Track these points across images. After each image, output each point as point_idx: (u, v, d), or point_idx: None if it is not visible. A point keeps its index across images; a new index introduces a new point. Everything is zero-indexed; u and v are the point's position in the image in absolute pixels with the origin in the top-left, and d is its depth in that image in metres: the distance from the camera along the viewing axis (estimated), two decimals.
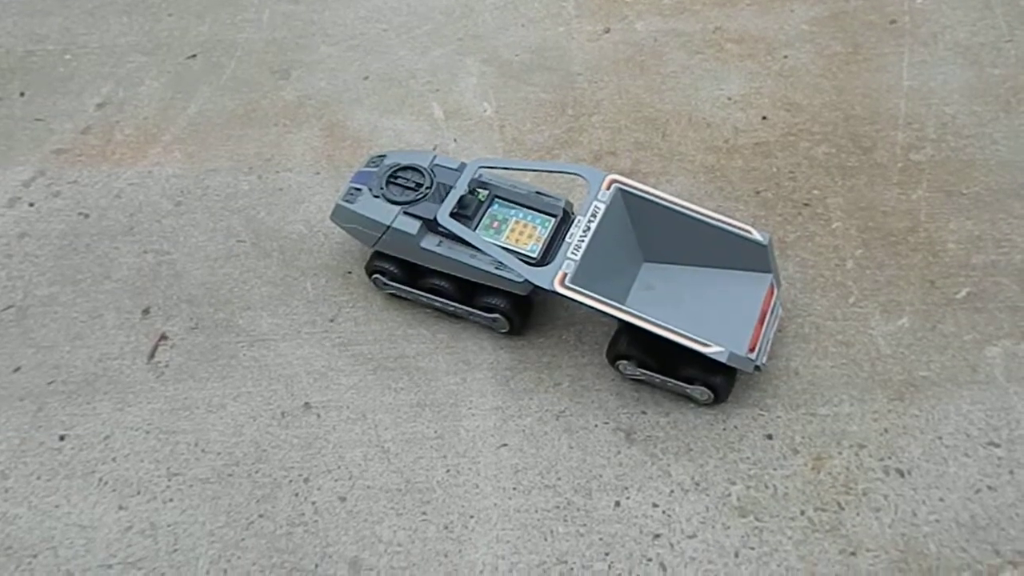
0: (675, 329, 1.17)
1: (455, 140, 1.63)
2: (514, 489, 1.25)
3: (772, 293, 1.27)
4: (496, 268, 1.28)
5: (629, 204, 1.29)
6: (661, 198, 1.27)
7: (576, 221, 1.26)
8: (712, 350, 1.16)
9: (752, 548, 1.18)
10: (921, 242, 1.42)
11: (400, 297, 1.43)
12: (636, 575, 1.17)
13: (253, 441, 1.32)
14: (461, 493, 1.25)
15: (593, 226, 1.25)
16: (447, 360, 1.38)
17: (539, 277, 1.22)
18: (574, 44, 1.75)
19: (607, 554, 1.19)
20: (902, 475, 1.21)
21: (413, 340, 1.40)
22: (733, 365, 1.19)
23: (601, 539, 1.20)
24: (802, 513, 1.20)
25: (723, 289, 1.28)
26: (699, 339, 1.16)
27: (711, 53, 1.71)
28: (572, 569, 1.18)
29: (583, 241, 1.24)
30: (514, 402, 1.33)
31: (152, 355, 1.41)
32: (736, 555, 1.18)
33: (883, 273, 1.39)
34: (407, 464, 1.28)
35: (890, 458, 1.23)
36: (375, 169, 1.39)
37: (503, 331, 1.39)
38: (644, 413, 1.30)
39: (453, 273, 1.34)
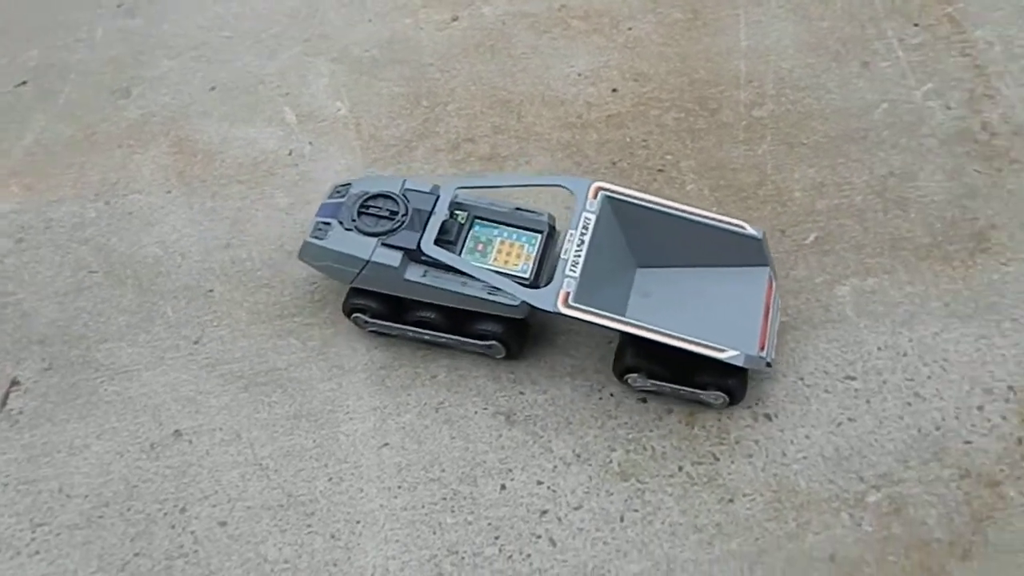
0: (687, 337, 1.13)
1: (311, 143, 1.60)
2: (399, 488, 1.24)
3: (771, 286, 1.24)
4: (489, 293, 1.21)
5: (617, 211, 1.24)
6: (650, 201, 1.23)
7: (568, 235, 1.20)
8: (728, 355, 1.12)
9: (636, 510, 1.20)
10: (769, 194, 1.48)
11: (381, 333, 1.35)
12: (527, 554, 1.18)
13: (122, 478, 1.26)
14: (346, 500, 1.23)
15: (586, 239, 1.19)
16: (320, 367, 1.35)
17: (540, 300, 1.16)
18: (423, 35, 1.74)
19: (497, 538, 1.19)
20: (770, 419, 1.26)
21: (284, 351, 1.36)
22: (748, 367, 1.16)
23: (490, 524, 1.21)
24: (680, 469, 1.23)
25: (722, 287, 1.25)
26: (712, 345, 1.13)
27: (558, 32, 1.72)
28: (463, 558, 1.18)
29: (579, 256, 1.18)
30: (392, 400, 1.32)
31: (3, 403, 1.33)
32: (622, 519, 1.20)
33: None
34: (287, 479, 1.25)
35: (757, 404, 1.27)
36: (342, 200, 1.29)
37: (499, 357, 1.32)
38: (522, 394, 1.31)
39: (443, 303, 1.26)
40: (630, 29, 1.72)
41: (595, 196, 1.23)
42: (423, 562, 1.18)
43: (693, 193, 1.48)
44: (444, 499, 1.23)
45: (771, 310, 1.23)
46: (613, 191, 1.23)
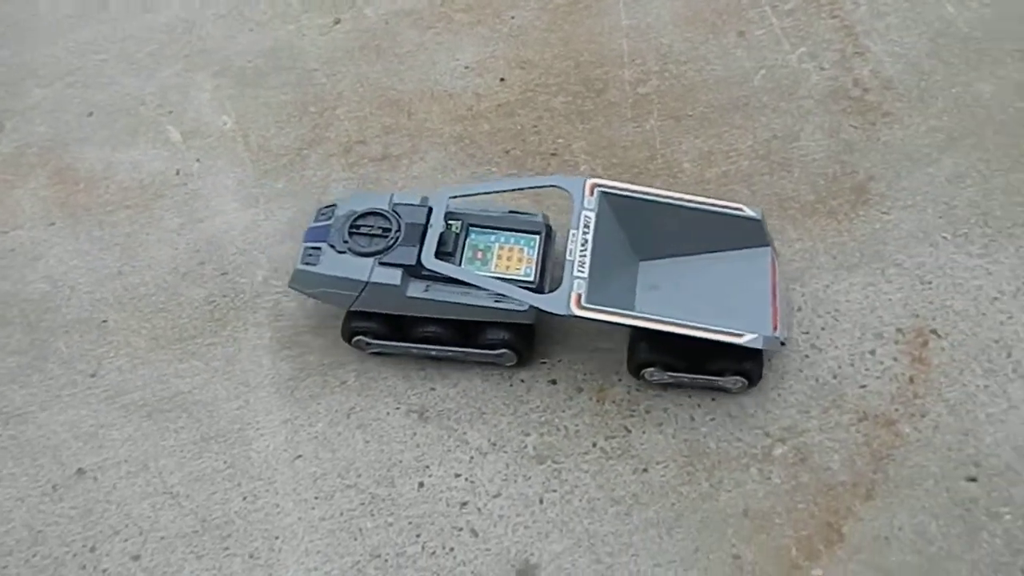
0: (704, 326, 1.12)
1: (198, 160, 1.56)
2: (316, 498, 1.22)
3: (775, 265, 1.23)
4: (496, 301, 1.18)
5: (615, 206, 1.22)
6: (646, 193, 1.21)
7: (570, 235, 1.17)
8: (746, 339, 1.11)
9: (554, 491, 1.21)
10: (660, 168, 1.51)
11: (384, 354, 1.31)
12: (450, 547, 1.18)
13: (25, 524, 1.21)
14: (262, 517, 1.21)
15: (589, 237, 1.17)
16: (225, 387, 1.32)
17: (553, 304, 1.13)
18: (306, 40, 1.71)
19: (419, 535, 1.19)
20: (677, 386, 1.29)
21: (186, 375, 1.33)
22: (766, 348, 1.14)
23: (411, 523, 1.20)
24: (594, 445, 1.25)
25: (727, 272, 1.24)
26: (729, 330, 1.12)
27: (442, 26, 1.72)
28: (386, 560, 1.17)
29: (584, 255, 1.16)
30: (302, 411, 1.29)
31: None
32: (541, 501, 1.21)
33: None
34: (200, 503, 1.22)
35: None
36: (329, 222, 1.24)
37: (510, 364, 1.29)
38: (433, 389, 1.31)
39: (448, 317, 1.21)
40: (513, 18, 1.73)
41: (592, 193, 1.21)
42: (346, 570, 1.16)
43: (586, 173, 1.50)
44: (362, 504, 1.21)
45: (778, 288, 1.22)
46: (609, 187, 1.22)
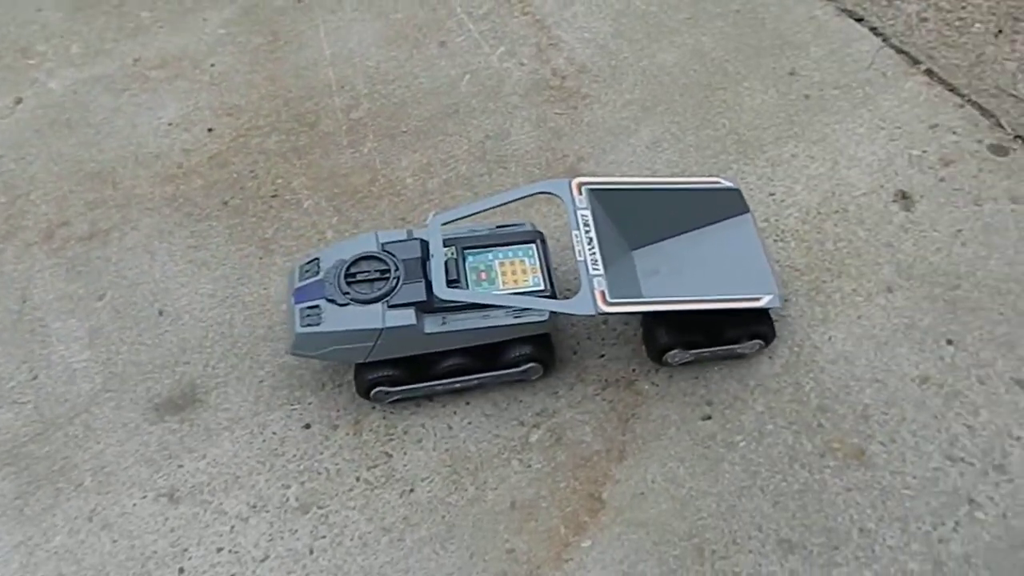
0: (725, 298, 1.17)
1: None
2: None
3: (757, 228, 1.29)
4: (516, 317, 1.16)
5: (602, 200, 1.24)
6: (628, 183, 1.24)
7: (573, 236, 1.17)
8: (764, 301, 1.18)
9: (323, 536, 1.18)
10: (383, 188, 1.51)
11: (405, 399, 1.26)
12: None
13: None
14: None
15: (592, 235, 1.17)
16: None
17: (580, 306, 1.12)
18: None
19: None
20: (430, 399, 1.30)
21: None
22: (778, 306, 1.20)
23: None
24: (358, 479, 1.23)
25: (717, 243, 1.28)
26: (747, 297, 1.18)
27: (138, 87, 1.64)
28: None
29: (594, 253, 1.16)
30: (36, 529, 1.18)
31: None
32: (311, 551, 1.17)
33: (360, 227, 1.47)
34: None
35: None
36: (318, 277, 1.15)
37: (536, 377, 1.27)
38: (181, 467, 1.23)
39: (469, 344, 1.18)
40: (213, 65, 1.68)
41: (579, 192, 1.22)
42: None
43: (311, 208, 1.48)
44: None
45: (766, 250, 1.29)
46: (594, 183, 1.24)
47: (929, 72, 1.62)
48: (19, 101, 1.62)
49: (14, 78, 1.65)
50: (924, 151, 1.52)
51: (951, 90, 1.60)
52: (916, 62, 1.64)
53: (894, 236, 1.42)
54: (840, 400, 1.26)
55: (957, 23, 1.70)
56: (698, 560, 1.14)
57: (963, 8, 1.72)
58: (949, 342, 1.30)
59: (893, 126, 1.55)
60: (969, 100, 1.58)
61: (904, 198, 1.46)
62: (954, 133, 1.54)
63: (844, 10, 1.74)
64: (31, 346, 1.34)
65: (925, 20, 1.71)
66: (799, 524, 1.16)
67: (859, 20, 1.72)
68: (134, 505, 1.20)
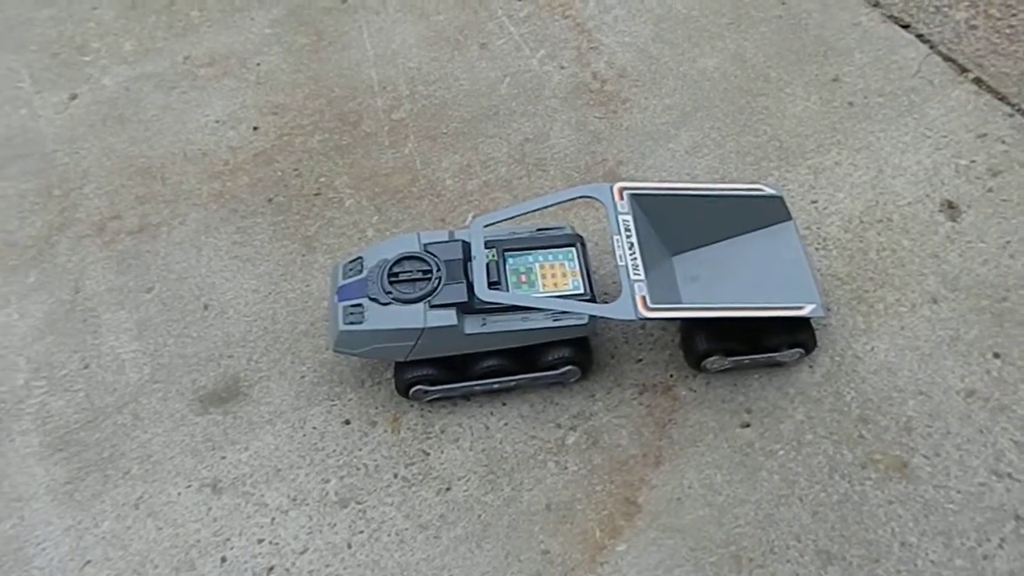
0: (766, 306, 1.16)
1: None
2: None
3: (800, 236, 1.28)
4: (555, 320, 1.17)
5: (644, 206, 1.24)
6: (669, 189, 1.24)
7: (615, 241, 1.18)
8: (807, 310, 1.16)
9: (361, 531, 1.20)
10: (423, 189, 1.53)
11: (444, 397, 1.28)
12: None
13: None
14: None
15: (633, 240, 1.18)
16: None
17: (621, 311, 1.13)
18: (42, 122, 1.62)
19: None
20: (467, 399, 1.31)
21: None
22: (822, 315, 1.19)
23: None
24: (395, 476, 1.25)
25: (758, 251, 1.27)
26: (789, 305, 1.17)
27: (187, 84, 1.68)
28: None
29: (635, 258, 1.16)
30: (85, 513, 1.22)
31: None
32: (349, 546, 1.19)
33: (400, 227, 1.48)
34: None
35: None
36: (361, 276, 1.18)
37: (574, 380, 1.28)
38: (224, 458, 1.26)
39: (508, 346, 1.20)
40: (259, 65, 1.71)
41: (621, 197, 1.22)
42: None
43: (353, 207, 1.50)
44: None
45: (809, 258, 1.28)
46: (635, 188, 1.24)
47: (978, 80, 1.60)
48: (74, 97, 1.66)
49: (70, 74, 1.69)
50: (972, 161, 1.50)
51: (1000, 99, 1.57)
52: (964, 70, 1.62)
53: (940, 247, 1.40)
54: (882, 411, 1.25)
55: (1007, 31, 1.67)
56: (735, 568, 1.14)
57: (1014, 16, 1.70)
58: (996, 355, 1.29)
59: (939, 135, 1.53)
60: (1019, 109, 1.55)
61: (950, 208, 1.44)
62: (1003, 143, 1.51)
63: (890, 16, 1.72)
64: (83, 336, 1.38)
65: (974, 28, 1.69)
66: (839, 535, 1.15)
67: (905, 27, 1.70)
68: (179, 494, 1.23)
